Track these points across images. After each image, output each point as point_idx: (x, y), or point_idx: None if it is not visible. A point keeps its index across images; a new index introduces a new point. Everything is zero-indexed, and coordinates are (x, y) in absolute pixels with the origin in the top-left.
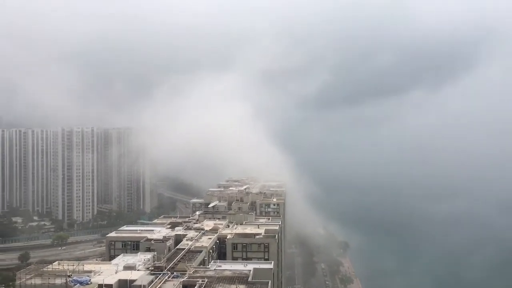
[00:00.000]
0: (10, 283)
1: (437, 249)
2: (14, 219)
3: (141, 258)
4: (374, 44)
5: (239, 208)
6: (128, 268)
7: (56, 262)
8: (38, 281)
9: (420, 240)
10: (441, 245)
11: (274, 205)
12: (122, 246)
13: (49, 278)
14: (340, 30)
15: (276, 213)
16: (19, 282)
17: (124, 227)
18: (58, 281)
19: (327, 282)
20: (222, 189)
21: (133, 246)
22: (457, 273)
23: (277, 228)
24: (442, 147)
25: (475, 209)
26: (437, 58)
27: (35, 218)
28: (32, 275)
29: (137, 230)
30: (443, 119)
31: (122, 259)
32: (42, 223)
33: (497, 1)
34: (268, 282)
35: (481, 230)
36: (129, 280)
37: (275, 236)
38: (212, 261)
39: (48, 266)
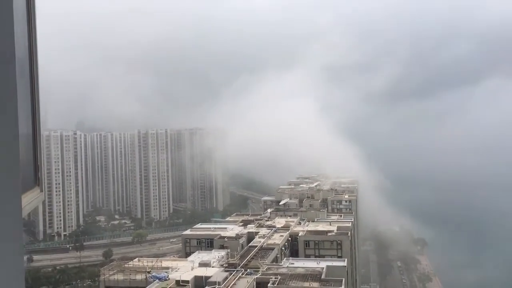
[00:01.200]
0: (96, 278)
1: None
2: (97, 218)
3: (215, 255)
4: (448, 34)
5: (310, 205)
6: (203, 265)
7: (136, 258)
8: (120, 276)
9: (497, 236)
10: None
11: (346, 201)
12: (197, 244)
13: (130, 274)
14: (411, 22)
15: (348, 209)
16: (103, 277)
17: (199, 225)
18: (139, 277)
19: (404, 280)
20: (293, 186)
21: (208, 243)
22: None
23: (350, 225)
24: None
25: None
26: None
27: (116, 217)
28: (114, 271)
29: (210, 228)
30: None
31: (198, 256)
32: (123, 221)
33: None
34: (342, 279)
35: None
36: (205, 276)
37: (348, 233)
38: (285, 258)
39: (129, 263)
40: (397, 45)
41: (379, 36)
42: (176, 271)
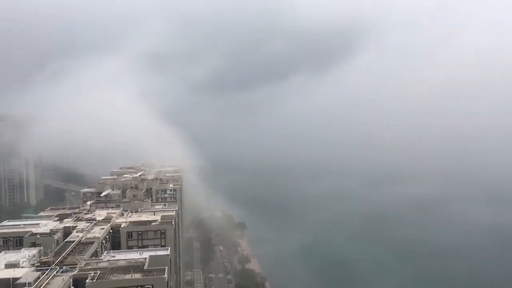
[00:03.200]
0: None
1: (315, 222)
2: None
3: (25, 255)
4: (265, 33)
5: (134, 196)
6: (10, 266)
7: None
8: None
9: (301, 213)
10: (316, 219)
11: (170, 190)
12: (4, 243)
13: None
14: (233, 18)
15: (173, 198)
16: None
17: (5, 222)
18: None
19: (225, 264)
20: (115, 176)
21: (16, 242)
22: (330, 242)
23: (174, 213)
24: (320, 129)
25: (346, 184)
26: (321, 46)
27: None
28: None
29: (20, 225)
30: (322, 103)
31: (4, 257)
32: None
33: None
34: (164, 268)
35: (350, 203)
36: (12, 278)
37: (172, 222)
38: (105, 251)
39: None
40: (221, 39)
41: (204, 28)
42: None
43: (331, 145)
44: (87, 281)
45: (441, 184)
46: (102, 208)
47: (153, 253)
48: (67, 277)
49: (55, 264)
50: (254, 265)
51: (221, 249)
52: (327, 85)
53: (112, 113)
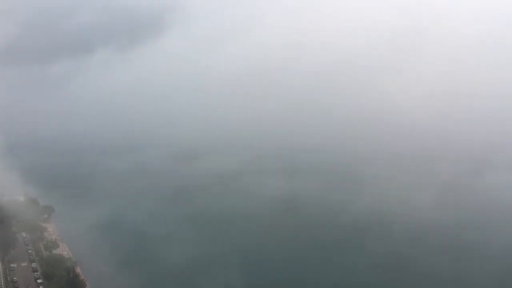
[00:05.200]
0: None
1: (121, 199)
2: None
3: None
4: (73, 4)
5: None
6: None
7: None
8: None
9: (112, 193)
10: (122, 195)
11: None
12: None
13: None
14: None
15: None
16: None
17: None
18: None
19: (29, 251)
20: None
21: None
22: (133, 218)
23: None
24: (127, 107)
25: (152, 160)
26: (131, 22)
27: None
28: None
29: None
30: (132, 79)
31: None
32: None
33: None
34: None
35: (155, 178)
36: None
37: None
38: None
39: None
40: (18, 6)
41: None
42: None
43: (138, 123)
44: None
45: (244, 159)
46: None
47: None
48: None
49: None
50: (63, 250)
51: (24, 235)
52: (135, 62)
53: None
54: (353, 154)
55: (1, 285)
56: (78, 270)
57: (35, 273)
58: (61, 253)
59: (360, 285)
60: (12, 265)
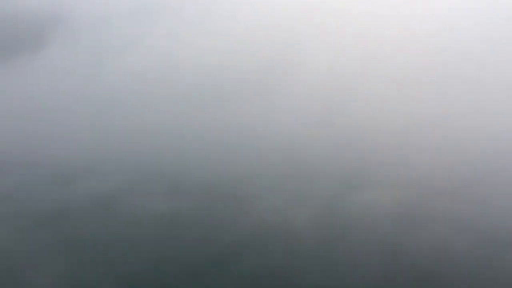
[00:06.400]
0: None
1: None
2: None
3: None
4: None
5: None
6: None
7: None
8: None
9: None
10: None
11: None
12: None
13: None
14: None
15: None
16: None
17: None
18: None
19: None
20: None
21: None
22: None
23: None
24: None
25: (27, 182)
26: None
27: None
28: None
29: None
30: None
31: None
32: None
33: None
34: None
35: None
36: None
37: None
38: None
39: None
40: None
41: None
42: None
43: (18, 141)
44: None
45: (125, 178)
46: None
47: None
48: None
49: None
50: None
51: None
52: (17, 74)
53: None
54: (234, 171)
55: None
56: None
57: None
58: None
59: None
60: None
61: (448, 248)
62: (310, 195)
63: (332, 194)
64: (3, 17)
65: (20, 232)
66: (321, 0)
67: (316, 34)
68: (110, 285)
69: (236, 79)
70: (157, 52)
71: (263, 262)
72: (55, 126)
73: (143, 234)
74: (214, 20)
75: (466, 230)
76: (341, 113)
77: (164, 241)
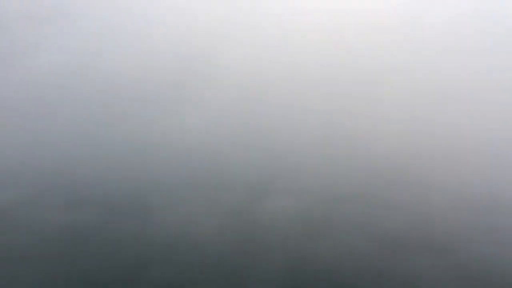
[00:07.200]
0: None
1: None
2: None
3: None
4: None
5: None
6: None
7: None
8: None
9: None
10: None
11: None
12: None
13: None
14: None
15: None
16: None
17: None
18: None
19: None
20: None
21: None
22: None
23: None
24: None
25: None
26: None
27: None
28: None
29: None
30: None
31: None
32: None
33: None
34: None
35: None
36: None
37: None
38: None
39: None
40: None
41: None
42: None
43: None
44: None
45: (21, 191)
46: None
47: None
48: None
49: None
50: None
51: None
52: None
53: None
54: (143, 181)
55: None
56: None
57: None
58: None
59: None
60: None
61: (355, 253)
62: (219, 205)
63: (241, 201)
64: None
65: None
66: (242, 3)
67: (235, 38)
68: None
69: (146, 85)
70: (58, 58)
71: (169, 274)
72: None
73: (42, 248)
74: (117, 26)
75: (374, 235)
76: (252, 119)
77: (62, 257)
